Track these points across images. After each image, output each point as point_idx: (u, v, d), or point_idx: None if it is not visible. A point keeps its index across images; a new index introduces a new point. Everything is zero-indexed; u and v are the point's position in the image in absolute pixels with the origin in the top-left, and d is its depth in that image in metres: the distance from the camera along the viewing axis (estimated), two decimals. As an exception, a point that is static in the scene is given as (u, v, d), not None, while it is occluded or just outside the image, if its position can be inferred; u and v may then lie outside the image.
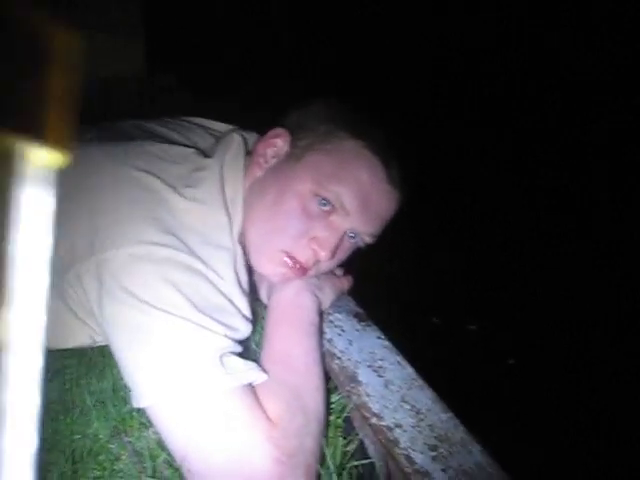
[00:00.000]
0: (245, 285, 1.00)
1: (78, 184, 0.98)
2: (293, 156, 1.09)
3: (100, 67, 2.53)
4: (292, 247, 1.05)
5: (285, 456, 0.83)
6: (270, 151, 1.11)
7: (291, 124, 1.13)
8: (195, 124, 1.22)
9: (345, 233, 1.08)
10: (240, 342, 0.93)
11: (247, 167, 1.11)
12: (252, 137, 1.21)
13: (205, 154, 1.07)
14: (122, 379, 1.04)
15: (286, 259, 1.05)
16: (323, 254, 1.05)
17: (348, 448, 0.99)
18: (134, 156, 1.01)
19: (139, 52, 2.82)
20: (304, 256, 1.06)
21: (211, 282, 0.92)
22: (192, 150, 1.07)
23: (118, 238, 0.91)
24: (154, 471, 0.91)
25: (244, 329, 0.95)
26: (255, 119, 1.24)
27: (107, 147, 1.04)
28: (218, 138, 1.16)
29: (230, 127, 1.23)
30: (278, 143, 1.12)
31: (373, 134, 1.09)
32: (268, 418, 0.86)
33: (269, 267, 1.07)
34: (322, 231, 1.05)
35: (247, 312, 0.97)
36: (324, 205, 1.04)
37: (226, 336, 0.89)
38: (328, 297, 1.17)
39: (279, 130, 1.13)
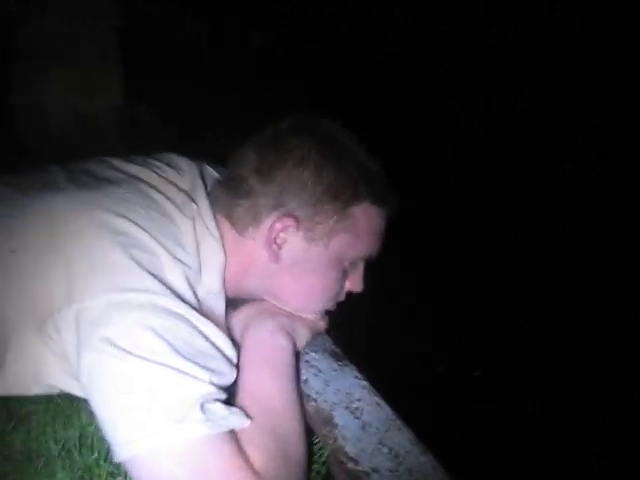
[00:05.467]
0: (224, 332, 0.99)
1: (53, 231, 0.96)
2: (318, 242, 1.09)
3: (77, 102, 2.53)
4: (335, 300, 1.19)
5: None
6: (280, 240, 1.09)
7: (287, 198, 1.08)
8: (166, 164, 1.18)
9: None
10: (225, 388, 0.90)
11: (241, 237, 1.11)
12: (218, 172, 1.22)
13: (176, 204, 1.05)
14: (90, 426, 1.01)
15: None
16: (359, 289, 1.19)
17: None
18: (108, 201, 0.99)
19: (116, 85, 2.80)
20: (343, 297, 1.20)
21: (194, 326, 0.90)
22: (165, 198, 1.05)
23: (95, 285, 0.89)
24: (119, 525, 0.88)
25: (230, 374, 0.93)
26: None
27: (81, 191, 1.03)
28: (188, 181, 1.15)
29: (196, 166, 1.20)
30: (288, 233, 1.09)
31: (365, 183, 1.10)
32: (253, 468, 0.83)
33: (311, 317, 1.19)
34: (355, 278, 1.18)
35: (232, 356, 0.95)
36: (355, 262, 1.16)
37: (210, 382, 0.85)
38: (302, 337, 1.15)
39: (287, 221, 1.07)
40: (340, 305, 1.22)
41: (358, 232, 1.11)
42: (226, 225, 1.11)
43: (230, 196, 1.11)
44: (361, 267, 1.19)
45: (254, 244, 1.10)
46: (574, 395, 2.46)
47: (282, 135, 1.12)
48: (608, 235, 3.28)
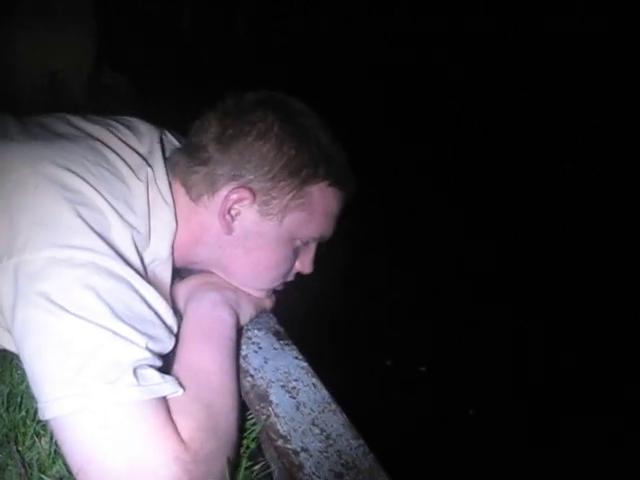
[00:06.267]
0: (168, 300, 0.98)
1: None
2: (272, 217, 1.08)
3: (48, 60, 2.52)
4: (284, 279, 1.18)
5: None
6: (234, 211, 1.08)
7: (246, 169, 1.07)
8: (125, 126, 1.15)
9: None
10: (162, 356, 0.89)
11: (193, 210, 1.10)
12: (179, 140, 1.20)
13: (130, 166, 1.03)
14: (21, 384, 1.01)
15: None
16: (309, 271, 1.19)
17: (253, 470, 0.96)
18: (57, 155, 0.97)
19: (89, 48, 2.82)
20: (292, 277, 1.19)
21: (136, 290, 0.90)
22: (119, 158, 1.03)
23: (39, 239, 0.87)
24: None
25: (168, 341, 0.92)
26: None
27: (32, 143, 1.01)
28: (146, 145, 1.12)
29: (156, 131, 1.17)
30: (243, 205, 1.08)
31: (325, 164, 1.09)
32: (180, 438, 0.82)
33: (258, 294, 1.19)
34: (305, 258, 1.17)
35: (172, 324, 0.95)
36: (307, 242, 1.15)
37: (147, 347, 0.85)
38: (246, 313, 1.15)
39: (243, 193, 1.06)
40: (287, 285, 1.22)
41: (313, 211, 1.10)
42: (181, 192, 1.09)
43: (188, 162, 1.09)
44: (313, 248, 1.18)
45: (207, 213, 1.09)
46: (574, 395, 2.44)
47: (246, 106, 1.10)
48: (608, 235, 3.25)
